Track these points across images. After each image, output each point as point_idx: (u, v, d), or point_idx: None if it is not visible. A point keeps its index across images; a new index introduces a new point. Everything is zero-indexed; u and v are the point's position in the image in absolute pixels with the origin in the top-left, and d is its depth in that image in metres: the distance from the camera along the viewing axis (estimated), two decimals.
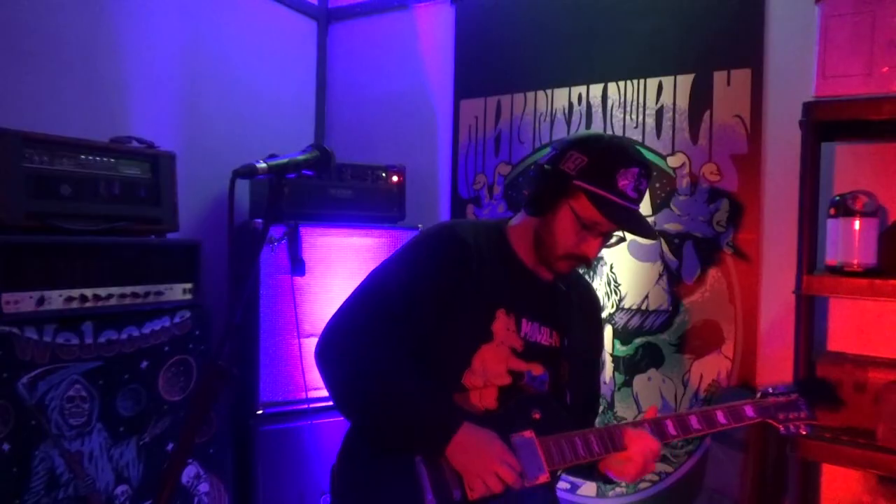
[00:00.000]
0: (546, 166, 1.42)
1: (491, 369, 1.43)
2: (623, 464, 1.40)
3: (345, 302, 1.44)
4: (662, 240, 2.42)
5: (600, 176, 1.36)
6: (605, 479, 1.48)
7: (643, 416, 1.48)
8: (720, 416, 1.47)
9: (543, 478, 1.34)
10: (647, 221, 1.47)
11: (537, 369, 1.48)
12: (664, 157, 2.43)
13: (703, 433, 1.48)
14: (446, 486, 1.33)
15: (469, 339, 1.43)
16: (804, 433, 1.52)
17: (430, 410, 1.34)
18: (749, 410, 1.49)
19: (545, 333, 1.51)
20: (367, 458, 1.42)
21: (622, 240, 1.34)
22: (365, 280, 1.47)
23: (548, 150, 1.48)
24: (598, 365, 1.69)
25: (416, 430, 1.34)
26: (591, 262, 1.47)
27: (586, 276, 1.84)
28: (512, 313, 1.47)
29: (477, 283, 1.43)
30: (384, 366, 1.37)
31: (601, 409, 2.19)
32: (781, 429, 1.50)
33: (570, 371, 1.50)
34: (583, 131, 1.51)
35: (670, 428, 1.44)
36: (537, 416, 1.41)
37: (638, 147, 1.59)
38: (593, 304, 1.68)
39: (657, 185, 2.43)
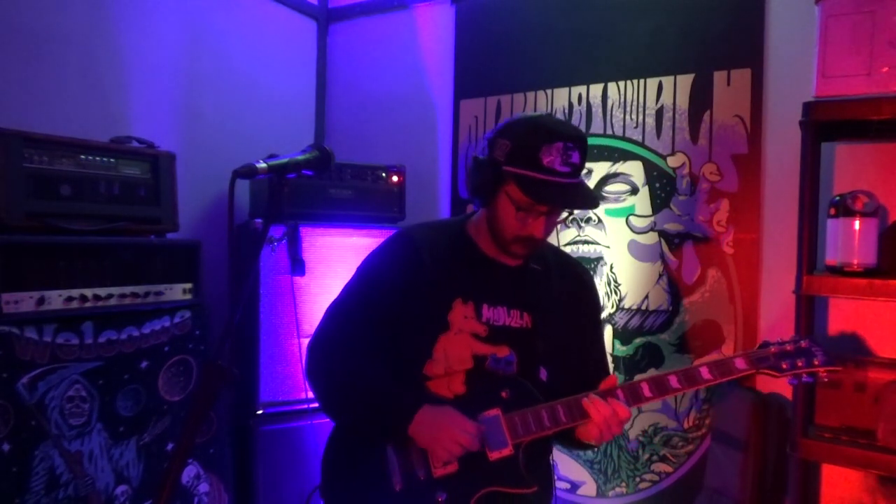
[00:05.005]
0: (479, 157, 1.47)
1: (453, 356, 1.48)
2: (587, 428, 1.42)
3: (321, 319, 1.57)
4: (662, 240, 2.42)
5: (524, 158, 1.38)
6: (580, 445, 1.51)
7: (605, 384, 1.44)
8: (704, 372, 1.42)
9: (507, 451, 1.40)
10: (584, 191, 1.45)
11: (503, 351, 1.50)
12: (664, 157, 2.43)
13: (685, 391, 1.44)
14: (412, 468, 1.43)
15: (426, 331, 1.49)
16: (825, 380, 1.38)
17: (393, 399, 1.44)
18: (740, 363, 1.42)
19: (514, 316, 1.52)
20: (346, 456, 1.55)
21: (570, 213, 1.37)
22: (337, 296, 1.58)
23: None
24: (585, 337, 1.63)
25: (384, 418, 1.44)
26: (540, 242, 1.48)
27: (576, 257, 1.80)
28: (470, 301, 1.51)
29: (430, 278, 1.51)
30: (356, 371, 1.49)
31: None
32: (788, 378, 1.40)
33: (545, 349, 1.51)
34: (513, 116, 1.51)
35: (645, 390, 1.42)
36: (505, 394, 1.45)
37: (567, 122, 1.51)
38: (576, 279, 1.66)
39: (657, 185, 2.44)
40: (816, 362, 1.39)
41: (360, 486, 1.50)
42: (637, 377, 2.43)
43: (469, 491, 1.40)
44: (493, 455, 1.39)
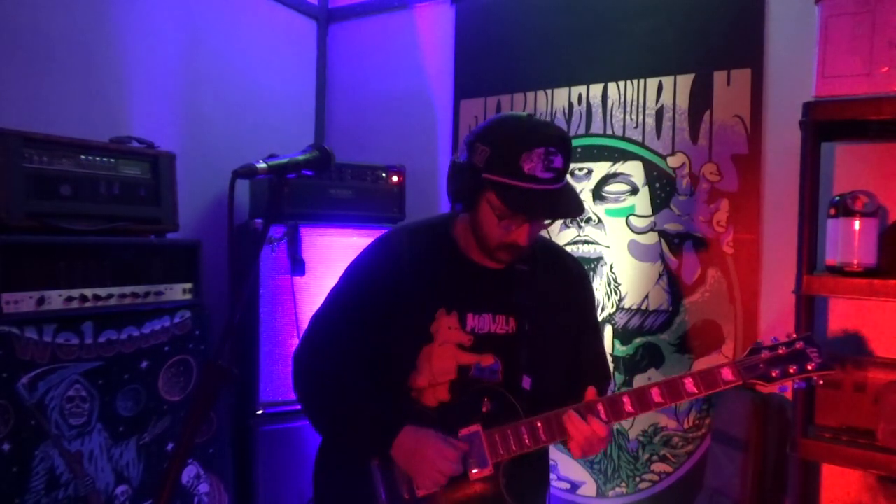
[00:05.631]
0: (458, 162, 1.40)
1: (437, 368, 1.45)
2: (570, 446, 1.40)
3: (306, 327, 1.54)
4: (662, 240, 2.42)
5: (505, 165, 1.31)
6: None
7: (585, 397, 1.39)
8: (689, 385, 1.34)
9: (487, 471, 1.38)
10: (568, 197, 1.37)
11: (487, 360, 1.47)
12: (664, 157, 2.43)
13: (669, 405, 1.37)
14: (397, 487, 1.42)
15: (410, 343, 1.46)
16: (820, 384, 1.30)
17: (374, 418, 1.42)
18: (727, 374, 1.34)
19: (500, 322, 1.48)
20: (335, 467, 1.53)
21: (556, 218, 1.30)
22: (322, 303, 1.55)
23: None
24: (578, 333, 1.58)
25: (365, 437, 1.43)
26: (525, 249, 1.42)
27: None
28: (454, 311, 1.46)
29: (413, 288, 1.47)
30: (339, 384, 1.47)
31: None
32: (776, 389, 1.32)
33: (530, 355, 1.46)
34: (493, 117, 1.44)
35: (627, 405, 1.36)
36: (486, 408, 1.42)
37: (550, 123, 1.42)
38: (565, 272, 1.59)
39: (657, 185, 2.44)
40: (810, 367, 1.31)
41: (349, 500, 1.49)
42: (636, 378, 2.45)
43: None
44: (475, 474, 1.38)
